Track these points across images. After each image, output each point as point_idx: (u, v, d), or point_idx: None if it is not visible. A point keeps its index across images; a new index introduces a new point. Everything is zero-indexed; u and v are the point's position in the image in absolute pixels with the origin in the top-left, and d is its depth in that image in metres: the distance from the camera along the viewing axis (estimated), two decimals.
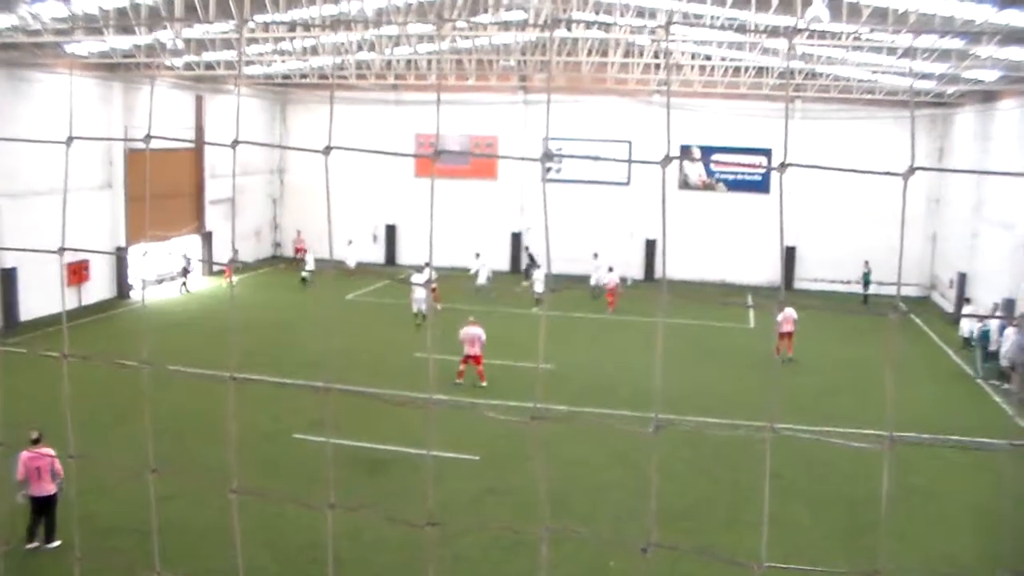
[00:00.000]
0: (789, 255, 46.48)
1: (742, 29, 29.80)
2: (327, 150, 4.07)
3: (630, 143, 47.35)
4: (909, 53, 29.19)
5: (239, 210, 48.47)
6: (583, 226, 46.75)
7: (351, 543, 16.17)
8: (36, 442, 15.65)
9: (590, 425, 23.31)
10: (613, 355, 31.25)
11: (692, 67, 38.55)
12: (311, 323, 34.76)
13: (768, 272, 47.05)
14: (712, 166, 47.74)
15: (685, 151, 46.54)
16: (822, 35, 28.58)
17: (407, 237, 50.85)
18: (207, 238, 45.84)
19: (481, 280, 40.59)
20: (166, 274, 42.41)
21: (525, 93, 48.68)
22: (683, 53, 37.90)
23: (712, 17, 28.59)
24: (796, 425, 22.31)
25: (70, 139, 4.59)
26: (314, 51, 37.23)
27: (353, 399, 21.99)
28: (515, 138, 48.59)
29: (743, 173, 47.58)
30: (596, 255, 43.61)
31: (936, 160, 44.18)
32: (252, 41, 34.21)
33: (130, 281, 39.90)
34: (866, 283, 43.62)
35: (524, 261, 48.76)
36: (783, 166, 3.67)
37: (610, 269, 40.91)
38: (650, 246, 48.41)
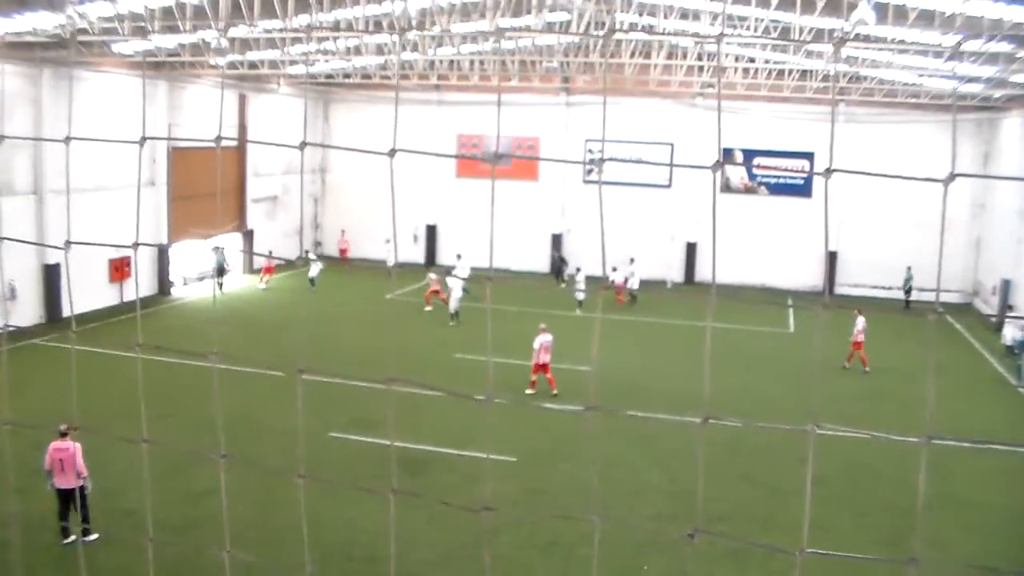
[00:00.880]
0: (831, 260, 46.12)
1: (786, 32, 29.64)
2: (392, 152, 4.09)
3: (672, 145, 47.19)
4: (955, 56, 28.88)
5: (281, 208, 48.84)
6: (624, 228, 46.58)
7: (387, 541, 16.23)
8: (64, 435, 15.87)
9: (628, 421, 23.21)
10: (654, 357, 31.20)
11: (736, 70, 38.38)
12: (350, 322, 34.93)
13: (809, 276, 46.72)
14: (754, 169, 47.52)
15: (728, 154, 46.33)
16: (867, 38, 28.39)
17: (447, 237, 50.92)
18: (248, 236, 46.19)
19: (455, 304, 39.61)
20: (207, 272, 42.68)
21: (568, 95, 48.65)
22: (727, 56, 37.74)
23: (756, 19, 28.45)
24: (843, 428, 22.19)
25: (143, 139, 4.67)
26: (357, 51, 37.42)
27: (392, 400, 22.07)
28: (557, 139, 48.59)
29: (785, 177, 47.23)
30: (632, 260, 43.20)
31: (982, 165, 43.66)
32: (296, 41, 34.42)
33: (171, 278, 40.28)
34: (908, 289, 43.15)
35: (555, 263, 48.49)
36: (828, 172, 3.65)
37: (614, 268, 41.37)
38: (691, 249, 48.22)
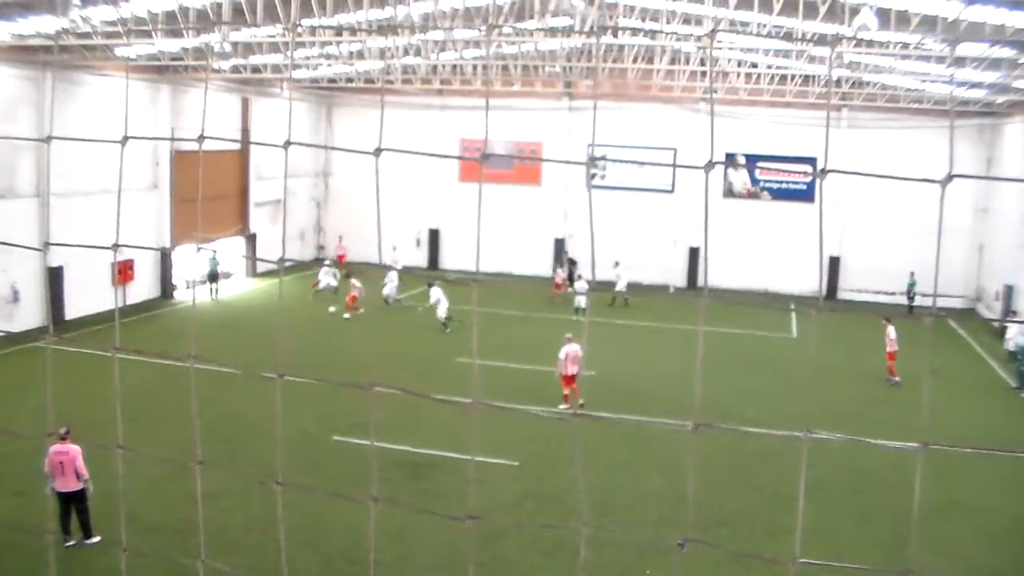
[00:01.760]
0: (833, 265, 46.11)
1: (788, 37, 29.64)
2: (377, 151, 4.09)
3: (675, 150, 47.11)
4: (956, 62, 28.87)
5: (287, 212, 48.85)
6: (627, 233, 46.57)
7: (391, 544, 16.24)
8: (63, 438, 15.83)
9: (630, 426, 23.18)
10: (655, 362, 31.16)
11: (738, 75, 38.41)
12: (351, 327, 34.93)
13: (812, 281, 46.64)
14: (757, 174, 47.50)
15: (730, 159, 46.31)
16: (869, 43, 28.39)
17: (450, 241, 50.92)
18: (251, 240, 46.19)
19: (388, 290, 40.17)
20: (198, 279, 42.49)
21: (570, 99, 48.69)
22: (729, 60, 37.74)
23: (758, 24, 28.46)
24: (837, 434, 22.12)
25: (125, 138, 4.66)
26: (360, 55, 37.45)
27: (396, 403, 22.09)
28: (559, 144, 48.61)
29: (788, 182, 47.22)
30: (617, 263, 42.73)
31: (985, 170, 43.54)
32: (299, 45, 34.45)
33: (174, 281, 40.27)
34: (911, 294, 43.08)
35: (566, 268, 48.44)
36: (823, 172, 3.68)
37: (560, 266, 44.40)
38: (693, 254, 48.19)
